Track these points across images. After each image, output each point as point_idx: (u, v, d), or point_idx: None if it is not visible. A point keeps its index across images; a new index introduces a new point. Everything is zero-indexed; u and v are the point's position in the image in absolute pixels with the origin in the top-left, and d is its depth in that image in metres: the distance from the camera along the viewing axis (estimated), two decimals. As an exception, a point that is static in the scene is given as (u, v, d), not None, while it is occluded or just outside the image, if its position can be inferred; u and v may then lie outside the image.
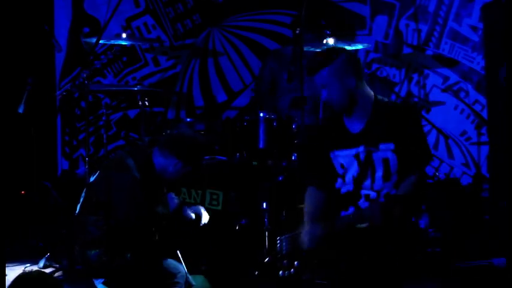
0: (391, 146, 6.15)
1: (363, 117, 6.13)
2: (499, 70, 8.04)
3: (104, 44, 8.88)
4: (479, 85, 8.76)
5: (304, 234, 6.28)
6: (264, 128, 7.84)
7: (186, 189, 7.82)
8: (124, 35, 8.33)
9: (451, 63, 8.82)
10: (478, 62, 8.78)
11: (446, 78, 8.80)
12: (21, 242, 8.32)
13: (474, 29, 8.81)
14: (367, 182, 6.20)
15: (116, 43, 8.67)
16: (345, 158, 6.21)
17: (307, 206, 6.43)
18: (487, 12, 8.33)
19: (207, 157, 7.88)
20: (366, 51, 9.01)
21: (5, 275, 5.50)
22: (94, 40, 8.21)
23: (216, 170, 7.88)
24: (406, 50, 8.93)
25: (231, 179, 7.87)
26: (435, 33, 8.86)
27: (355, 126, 6.19)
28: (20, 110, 8.01)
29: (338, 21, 8.82)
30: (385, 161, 6.18)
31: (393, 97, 8.88)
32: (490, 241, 7.82)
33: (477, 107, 8.84)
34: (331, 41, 7.93)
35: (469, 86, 8.78)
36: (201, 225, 7.16)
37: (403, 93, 8.87)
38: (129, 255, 6.95)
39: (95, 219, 7.12)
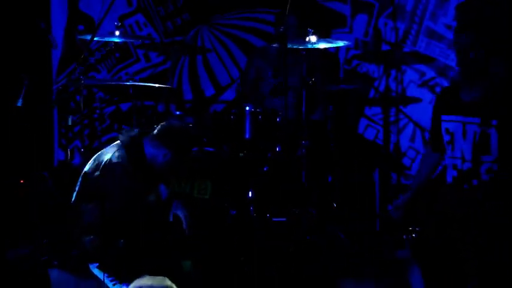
0: (495, 122, 6.16)
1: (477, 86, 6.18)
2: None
3: (98, 41, 8.86)
4: (453, 80, 8.68)
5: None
6: (249, 121, 7.85)
7: (176, 179, 7.78)
8: (117, 33, 8.34)
9: (427, 59, 8.84)
10: (452, 59, 8.64)
11: (422, 74, 8.82)
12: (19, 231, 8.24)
13: (449, 27, 8.79)
14: (469, 152, 6.21)
15: (109, 40, 8.63)
16: (452, 124, 6.23)
17: (422, 167, 6.52)
18: (462, 11, 8.36)
19: (196, 148, 7.88)
20: (347, 48, 9.01)
21: None
22: (89, 37, 8.20)
23: (204, 161, 7.85)
24: (385, 47, 8.94)
25: (218, 169, 7.85)
26: (412, 32, 8.87)
27: (470, 96, 6.22)
28: (18, 104, 7.99)
29: (320, 19, 8.81)
30: (484, 136, 6.19)
31: (372, 92, 8.88)
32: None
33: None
34: (313, 38, 7.91)
35: (444, 82, 8.78)
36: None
37: (381, 88, 8.87)
38: (122, 241, 6.98)
39: (90, 207, 7.15)
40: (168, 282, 6.06)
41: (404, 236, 6.59)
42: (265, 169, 7.89)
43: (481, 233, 6.12)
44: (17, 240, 8.07)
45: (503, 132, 6.18)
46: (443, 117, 6.27)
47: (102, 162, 7.25)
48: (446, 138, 6.29)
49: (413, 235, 6.43)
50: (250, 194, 7.75)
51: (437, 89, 8.83)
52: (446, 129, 6.27)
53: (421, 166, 6.57)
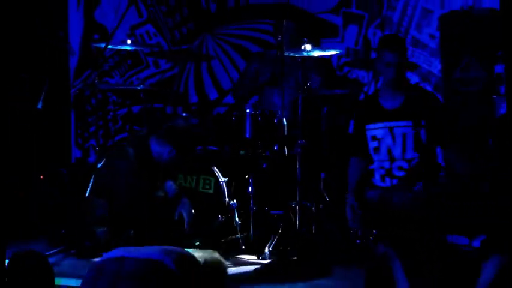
0: (423, 122, 6.22)
1: (398, 96, 6.23)
2: (453, 72, 8.11)
3: (111, 49, 8.86)
4: (436, 85, 8.72)
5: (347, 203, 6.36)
6: (249, 121, 7.81)
7: (183, 175, 7.82)
8: (129, 41, 8.33)
9: (412, 66, 8.80)
10: (435, 66, 8.75)
11: (407, 80, 8.82)
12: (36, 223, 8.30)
13: (432, 37, 8.77)
14: (399, 153, 6.27)
15: (121, 48, 8.63)
16: (379, 131, 6.28)
17: (350, 175, 6.51)
18: (445, 22, 8.36)
19: (200, 147, 7.91)
20: (339, 56, 8.99)
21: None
22: (103, 45, 8.24)
23: (209, 159, 7.88)
24: (373, 55, 8.94)
25: (221, 166, 7.86)
26: None
27: (390, 104, 6.27)
28: (38, 107, 8.02)
29: (314, 29, 8.82)
30: (417, 136, 6.25)
31: (362, 96, 8.90)
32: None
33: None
34: (308, 47, 7.91)
35: (428, 86, 8.72)
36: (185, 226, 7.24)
37: (370, 93, 8.90)
38: (132, 232, 7.02)
39: (101, 200, 7.20)
40: (217, 255, 6.08)
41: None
42: (264, 166, 7.90)
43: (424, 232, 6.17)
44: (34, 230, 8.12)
45: (428, 132, 6.29)
46: (368, 126, 6.34)
47: (110, 160, 7.32)
48: (374, 144, 6.35)
49: (372, 237, 6.43)
50: (250, 189, 7.71)
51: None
52: (373, 137, 6.33)
53: (350, 173, 6.55)
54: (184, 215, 7.33)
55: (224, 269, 5.93)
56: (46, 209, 8.35)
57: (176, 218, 7.29)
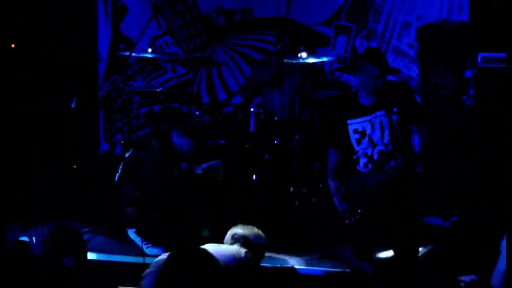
0: (394, 109, 6.25)
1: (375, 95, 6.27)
2: (429, 76, 8.15)
3: (134, 57, 8.84)
4: (414, 88, 8.63)
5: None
6: (253, 119, 7.89)
7: (197, 163, 7.77)
8: (150, 50, 8.39)
9: (393, 71, 8.66)
10: (414, 71, 8.76)
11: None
12: (71, 206, 8.28)
13: (411, 46, 8.79)
14: (379, 139, 6.30)
15: (143, 56, 8.70)
16: (360, 124, 6.31)
17: (329, 164, 6.47)
18: (422, 33, 8.40)
19: (211, 141, 7.91)
20: (330, 62, 8.99)
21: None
22: (127, 53, 8.32)
23: (218, 151, 7.86)
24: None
25: (229, 157, 7.87)
26: (382, 49, 8.74)
27: (368, 102, 6.33)
28: (72, 106, 8.06)
29: (309, 39, 8.82)
30: (391, 121, 6.28)
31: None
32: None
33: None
34: (304, 54, 7.93)
35: None
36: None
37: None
38: (156, 213, 7.07)
39: (129, 185, 7.25)
40: (256, 230, 6.05)
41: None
42: (265, 157, 7.90)
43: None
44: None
45: (400, 115, 6.32)
46: (350, 121, 6.35)
47: (137, 150, 7.37)
48: (356, 136, 6.36)
49: (355, 218, 6.45)
50: (254, 177, 7.77)
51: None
52: (355, 130, 6.34)
53: (329, 162, 6.49)
54: (207, 167, 7.37)
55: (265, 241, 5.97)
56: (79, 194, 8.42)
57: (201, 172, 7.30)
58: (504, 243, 5.02)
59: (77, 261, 4.91)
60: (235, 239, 5.95)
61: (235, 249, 5.87)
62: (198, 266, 4.15)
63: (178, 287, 4.11)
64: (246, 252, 5.86)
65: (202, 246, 5.90)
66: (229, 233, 6.03)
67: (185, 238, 6.79)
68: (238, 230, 6.01)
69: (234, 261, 5.68)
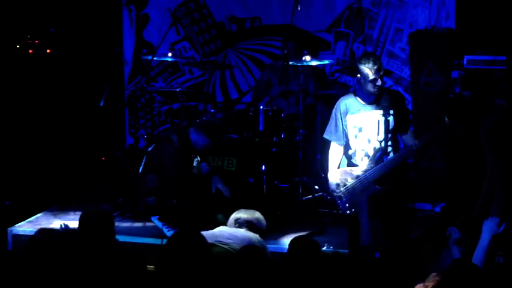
0: (392, 112, 6.27)
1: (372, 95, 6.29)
2: (419, 77, 8.13)
3: (156, 60, 8.83)
4: (406, 87, 8.70)
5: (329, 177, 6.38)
6: (262, 116, 7.85)
7: (211, 157, 7.82)
8: (170, 54, 8.38)
9: (387, 72, 8.70)
10: (405, 72, 8.73)
11: (384, 83, 8.69)
12: (99, 193, 8.32)
13: (403, 49, 8.77)
14: (374, 135, 6.29)
15: (164, 59, 8.69)
16: (358, 120, 6.31)
17: (330, 158, 6.50)
18: (413, 38, 8.37)
19: (225, 135, 7.95)
20: (331, 65, 8.96)
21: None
22: (150, 57, 8.36)
23: (231, 144, 7.90)
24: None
25: (241, 150, 7.90)
26: (377, 53, 8.78)
27: (367, 100, 6.32)
28: (101, 104, 8.07)
29: (312, 44, 8.81)
30: (387, 122, 6.28)
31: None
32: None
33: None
34: (307, 58, 7.93)
35: (400, 88, 8.72)
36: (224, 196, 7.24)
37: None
38: (175, 200, 7.10)
39: (152, 176, 7.28)
40: (258, 214, 6.04)
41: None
42: (273, 150, 7.90)
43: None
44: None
45: (394, 119, 6.33)
46: (350, 117, 6.35)
47: (160, 145, 7.39)
48: (354, 131, 6.34)
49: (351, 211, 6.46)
50: (263, 168, 7.74)
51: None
52: (354, 125, 6.33)
53: (330, 156, 6.51)
54: (221, 188, 7.39)
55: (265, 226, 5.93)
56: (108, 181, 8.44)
57: (214, 191, 7.32)
58: (485, 224, 5.06)
59: (107, 242, 4.95)
60: (240, 223, 5.92)
61: (248, 234, 5.85)
62: (192, 246, 4.25)
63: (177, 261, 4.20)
64: (257, 237, 5.83)
65: (219, 229, 5.94)
66: (233, 217, 6.01)
67: (199, 221, 6.80)
68: (241, 214, 5.99)
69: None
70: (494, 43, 7.71)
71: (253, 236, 5.81)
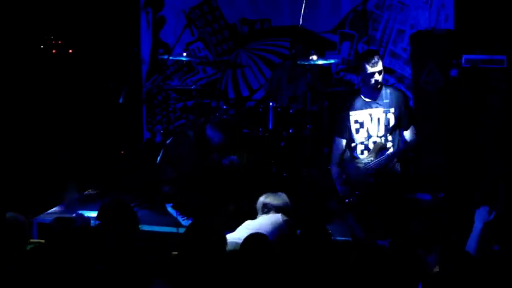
0: (393, 110, 6.26)
1: (375, 92, 6.27)
2: (420, 76, 8.12)
3: (172, 60, 8.84)
4: (408, 85, 8.70)
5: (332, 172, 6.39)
6: (272, 112, 7.84)
7: (225, 151, 7.73)
8: (184, 54, 8.37)
9: (390, 71, 8.79)
10: (407, 71, 8.73)
11: (387, 81, 8.72)
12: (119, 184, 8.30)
13: (404, 50, 8.78)
14: (375, 130, 6.30)
15: (179, 59, 8.69)
16: (361, 115, 6.31)
17: (333, 151, 6.53)
18: (414, 39, 8.37)
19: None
20: (336, 64, 8.97)
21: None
22: (166, 57, 8.37)
23: (243, 138, 7.89)
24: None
25: (252, 144, 7.90)
26: (380, 53, 8.74)
27: (369, 97, 6.28)
28: (120, 101, 8.09)
29: (318, 45, 8.79)
30: (388, 119, 6.29)
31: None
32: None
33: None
34: (314, 57, 7.95)
35: (402, 86, 8.73)
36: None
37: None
38: (190, 191, 7.11)
39: (168, 167, 7.29)
40: (284, 196, 6.00)
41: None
42: (282, 144, 7.89)
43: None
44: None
45: (395, 116, 6.31)
46: (352, 113, 6.35)
47: (176, 139, 7.41)
48: (356, 126, 6.37)
49: (352, 198, 6.46)
50: (272, 160, 7.75)
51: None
52: (356, 120, 6.35)
53: (334, 149, 6.56)
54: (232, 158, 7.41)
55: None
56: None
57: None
58: (477, 213, 5.07)
59: (129, 230, 4.95)
60: (269, 208, 5.91)
61: (276, 216, 5.80)
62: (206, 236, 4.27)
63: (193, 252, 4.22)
64: (285, 221, 5.80)
65: (246, 224, 5.89)
66: (261, 201, 5.98)
67: (213, 211, 6.80)
68: (269, 199, 5.96)
69: (275, 230, 5.61)
70: (494, 43, 7.69)
71: (281, 216, 5.80)
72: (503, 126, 7.25)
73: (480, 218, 5.04)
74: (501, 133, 7.22)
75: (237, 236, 5.58)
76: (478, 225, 5.00)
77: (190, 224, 4.62)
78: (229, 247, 4.72)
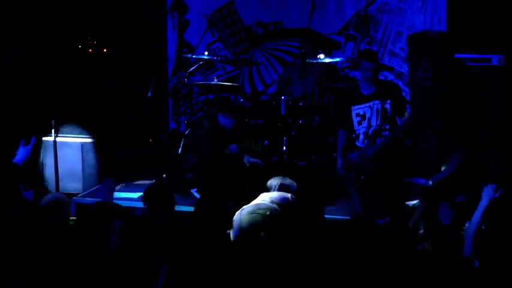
0: (389, 101, 6.25)
1: (373, 87, 6.21)
2: (416, 73, 8.07)
3: (195, 58, 8.81)
4: (405, 81, 8.66)
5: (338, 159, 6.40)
6: (284, 105, 7.84)
7: (241, 139, 7.83)
8: (206, 53, 8.44)
9: (389, 69, 8.78)
10: (404, 68, 8.69)
11: (386, 77, 8.76)
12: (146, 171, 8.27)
13: (402, 49, 8.74)
14: (374, 120, 6.30)
15: (201, 57, 8.69)
16: (362, 109, 6.30)
17: (338, 142, 6.53)
18: (410, 39, 8.33)
19: (252, 121, 7.95)
20: (341, 62, 8.94)
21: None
22: (189, 56, 8.38)
23: (258, 128, 7.91)
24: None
25: (266, 133, 7.89)
26: (380, 52, 8.79)
27: (367, 92, 6.25)
28: (149, 95, 8.10)
29: (325, 45, 8.79)
30: (385, 109, 6.29)
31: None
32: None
33: (403, 94, 8.80)
34: (321, 56, 7.94)
35: (400, 82, 8.68)
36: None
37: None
38: (209, 174, 7.12)
39: (189, 155, 7.30)
40: (289, 179, 5.95)
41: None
42: (293, 133, 7.89)
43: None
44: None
45: (391, 107, 6.27)
46: (354, 107, 6.35)
47: (194, 128, 7.42)
48: (358, 119, 6.37)
49: (358, 183, 6.46)
50: (284, 148, 7.76)
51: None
52: (357, 114, 6.35)
53: (338, 141, 6.56)
54: (254, 161, 7.40)
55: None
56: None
57: (247, 165, 7.28)
58: (485, 190, 4.91)
59: (168, 212, 4.93)
60: (280, 187, 5.89)
61: (284, 194, 5.81)
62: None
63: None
64: (291, 196, 5.79)
65: (261, 196, 5.87)
66: (273, 182, 5.91)
67: (229, 192, 6.79)
68: (278, 180, 5.92)
69: (284, 201, 5.57)
70: (492, 43, 7.66)
71: (286, 195, 5.82)
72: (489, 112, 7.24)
73: (487, 194, 4.89)
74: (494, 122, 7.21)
75: (259, 200, 5.51)
76: (484, 202, 4.87)
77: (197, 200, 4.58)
78: (261, 207, 4.72)
